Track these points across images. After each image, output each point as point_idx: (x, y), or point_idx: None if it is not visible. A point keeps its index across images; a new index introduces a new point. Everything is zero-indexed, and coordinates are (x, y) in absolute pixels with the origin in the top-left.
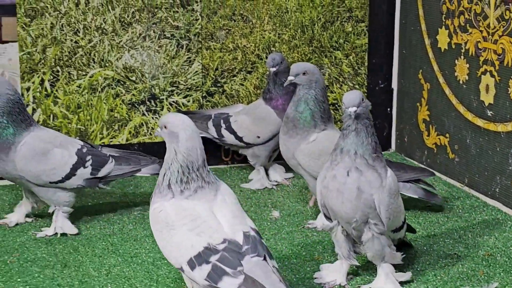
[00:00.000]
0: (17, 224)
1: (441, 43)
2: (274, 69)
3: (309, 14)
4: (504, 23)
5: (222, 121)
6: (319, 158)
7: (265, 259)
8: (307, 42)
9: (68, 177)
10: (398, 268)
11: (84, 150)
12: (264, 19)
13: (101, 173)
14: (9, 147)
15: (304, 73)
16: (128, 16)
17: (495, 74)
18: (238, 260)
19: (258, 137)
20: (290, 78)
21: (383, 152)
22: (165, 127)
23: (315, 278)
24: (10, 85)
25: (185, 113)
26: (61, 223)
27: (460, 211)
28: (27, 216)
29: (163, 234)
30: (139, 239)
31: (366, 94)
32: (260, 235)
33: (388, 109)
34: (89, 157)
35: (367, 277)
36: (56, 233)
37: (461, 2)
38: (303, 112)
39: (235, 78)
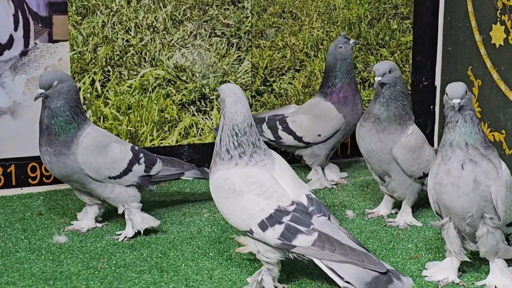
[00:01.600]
0: (88, 230)
1: (495, 39)
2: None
3: (356, 11)
4: None
5: (278, 122)
6: (414, 151)
7: (329, 218)
8: (354, 39)
9: (125, 172)
10: (509, 263)
11: (136, 147)
12: (312, 16)
13: (153, 171)
14: (71, 140)
15: (390, 71)
16: (179, 14)
17: None
18: (308, 219)
19: (319, 135)
20: (377, 79)
21: None
22: (219, 96)
23: (425, 276)
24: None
25: None
26: (140, 218)
27: None
28: (96, 220)
29: (229, 201)
30: (223, 241)
31: (409, 92)
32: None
33: (431, 107)
34: (141, 155)
35: (476, 273)
36: (139, 232)
37: None
38: (396, 109)
39: (283, 76)
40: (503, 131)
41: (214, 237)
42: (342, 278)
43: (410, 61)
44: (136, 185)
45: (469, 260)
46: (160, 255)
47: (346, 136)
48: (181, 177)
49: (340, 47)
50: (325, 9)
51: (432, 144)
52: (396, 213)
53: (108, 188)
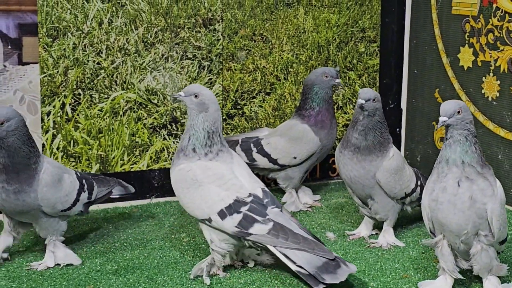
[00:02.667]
0: None
1: (463, 61)
2: (339, 80)
3: (325, 35)
4: None
5: (252, 145)
6: (396, 173)
7: (281, 210)
8: (323, 62)
9: (74, 203)
10: (502, 280)
11: (78, 173)
12: (282, 39)
13: (93, 196)
14: (33, 177)
15: (373, 100)
16: (151, 36)
17: None
18: (264, 210)
19: (295, 157)
20: (360, 101)
21: None
22: (196, 97)
23: None
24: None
25: None
26: (63, 253)
27: None
28: (4, 251)
29: (190, 191)
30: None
31: None
32: None
33: (398, 129)
34: (83, 180)
35: None
36: (59, 264)
37: (489, 20)
38: (375, 138)
39: (254, 100)
40: None
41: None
42: (294, 262)
43: (377, 84)
44: (80, 213)
45: (462, 278)
46: (147, 280)
47: (319, 159)
48: (110, 196)
49: (326, 76)
50: (295, 32)
51: None
52: (377, 234)
53: (55, 222)
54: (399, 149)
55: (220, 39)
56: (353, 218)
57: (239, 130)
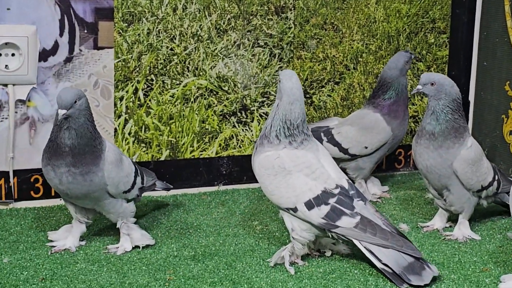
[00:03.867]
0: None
1: None
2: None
3: (395, 25)
4: None
5: (322, 134)
6: (474, 164)
7: (366, 203)
8: (393, 52)
9: (133, 185)
10: None
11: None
12: (353, 28)
13: (144, 182)
14: (99, 157)
15: (432, 84)
16: (224, 23)
17: None
18: (351, 202)
19: (366, 147)
20: (418, 87)
21: None
22: (279, 81)
23: None
24: None
25: None
26: (139, 234)
27: None
28: (81, 239)
29: (277, 178)
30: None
31: None
32: None
33: None
34: (137, 166)
35: None
36: (137, 247)
37: None
38: (448, 122)
39: (323, 89)
40: None
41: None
42: (380, 260)
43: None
44: (136, 198)
45: None
46: (226, 266)
47: (390, 150)
48: (155, 189)
49: (407, 62)
50: (366, 22)
51: None
52: (451, 226)
53: (118, 204)
54: None
55: (291, 27)
56: (424, 210)
57: (307, 119)
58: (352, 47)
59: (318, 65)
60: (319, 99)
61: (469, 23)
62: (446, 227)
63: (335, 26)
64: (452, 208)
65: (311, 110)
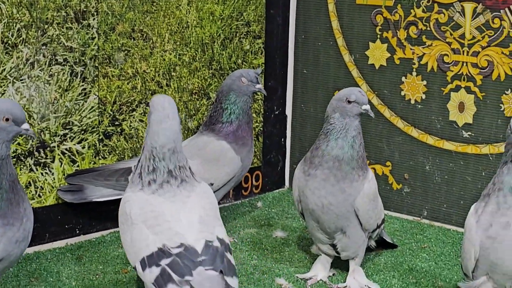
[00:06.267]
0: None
1: (374, 59)
2: (260, 86)
3: (209, 30)
4: (490, 32)
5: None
6: (374, 199)
7: (223, 274)
8: (207, 63)
9: None
10: None
11: None
12: (164, 36)
13: None
14: None
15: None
16: (12, 35)
17: (476, 90)
18: (189, 268)
19: (212, 184)
20: (366, 107)
21: (274, 192)
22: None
23: None
24: None
25: (86, 172)
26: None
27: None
28: None
29: (124, 227)
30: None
31: (262, 123)
32: (229, 248)
33: (282, 140)
34: None
35: None
36: None
37: (411, 11)
38: (360, 147)
39: (134, 113)
40: (388, 164)
41: None
42: None
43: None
44: None
45: None
46: None
47: (235, 184)
48: None
49: (244, 81)
50: (178, 27)
51: (283, 184)
52: (334, 275)
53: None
54: (284, 164)
55: (95, 37)
56: (285, 254)
57: (118, 152)
58: (164, 59)
59: (128, 83)
60: (130, 126)
61: (284, 25)
62: (330, 275)
63: (145, 34)
64: (344, 253)
65: (122, 141)
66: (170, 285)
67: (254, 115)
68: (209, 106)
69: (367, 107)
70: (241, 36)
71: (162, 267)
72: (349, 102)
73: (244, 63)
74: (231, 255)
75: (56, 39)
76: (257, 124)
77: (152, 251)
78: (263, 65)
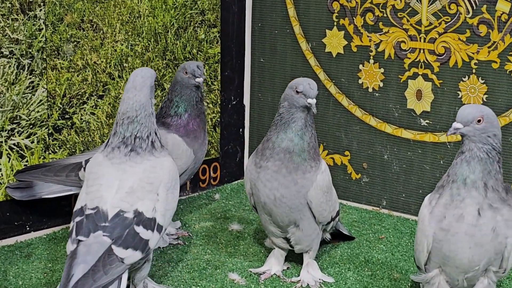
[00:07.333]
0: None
1: (331, 47)
2: (199, 79)
3: (162, 19)
4: (447, 18)
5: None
6: (328, 192)
7: (114, 243)
8: (161, 54)
9: None
10: None
11: None
12: (116, 26)
13: None
14: None
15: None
16: None
17: (434, 77)
18: (89, 230)
19: None
20: (312, 101)
21: (233, 183)
22: None
23: None
24: None
25: (36, 167)
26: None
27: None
28: None
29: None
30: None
31: (219, 114)
32: (147, 223)
33: (241, 130)
34: None
35: None
36: None
37: None
38: (311, 138)
39: (85, 105)
40: (346, 153)
41: None
42: None
43: (219, 77)
44: None
45: None
46: None
47: (189, 178)
48: None
49: (186, 73)
50: (129, 17)
51: (241, 176)
52: (288, 268)
53: None
54: (243, 155)
55: (42, 28)
56: (239, 248)
57: (68, 146)
58: (116, 50)
59: (77, 75)
60: (81, 119)
61: (240, 13)
62: (284, 269)
63: (95, 25)
64: (298, 247)
65: (73, 135)
66: (69, 239)
67: (211, 105)
68: (163, 98)
69: (313, 101)
70: (196, 25)
71: (73, 224)
72: (298, 92)
73: (199, 52)
74: (145, 229)
75: (1, 31)
76: (214, 114)
77: (77, 208)
78: (219, 55)
